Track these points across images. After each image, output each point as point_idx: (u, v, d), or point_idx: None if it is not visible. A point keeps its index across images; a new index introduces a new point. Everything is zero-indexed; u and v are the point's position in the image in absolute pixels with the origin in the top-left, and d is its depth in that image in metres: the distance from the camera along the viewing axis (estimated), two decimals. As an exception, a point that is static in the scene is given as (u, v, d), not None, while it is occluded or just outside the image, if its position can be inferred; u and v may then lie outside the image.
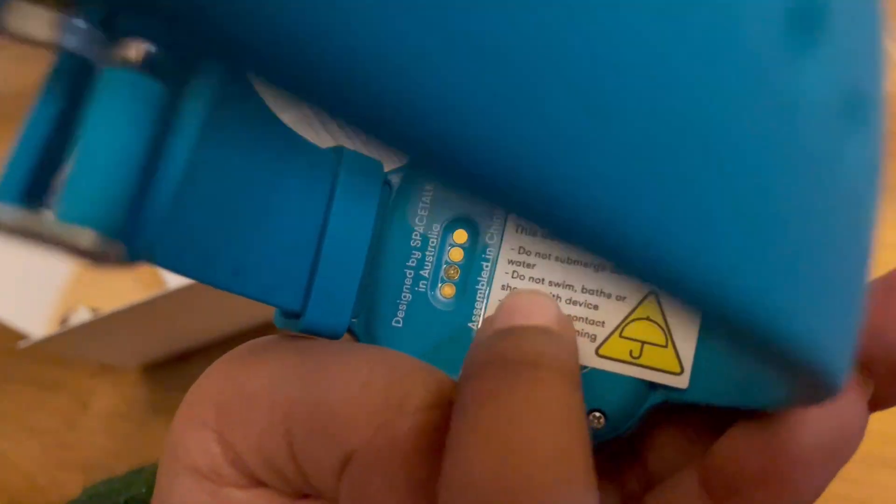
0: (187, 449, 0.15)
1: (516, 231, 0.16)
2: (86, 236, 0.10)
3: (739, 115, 0.07)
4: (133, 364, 0.43)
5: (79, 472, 0.39)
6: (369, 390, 0.14)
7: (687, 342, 0.16)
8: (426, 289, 0.17)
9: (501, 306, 0.14)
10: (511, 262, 0.16)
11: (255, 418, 0.15)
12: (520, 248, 0.16)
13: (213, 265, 0.14)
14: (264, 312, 0.41)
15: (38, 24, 0.09)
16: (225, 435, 0.15)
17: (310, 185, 0.15)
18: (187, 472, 0.15)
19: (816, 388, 0.11)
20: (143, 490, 0.22)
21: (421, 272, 0.17)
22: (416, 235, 0.17)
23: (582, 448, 0.12)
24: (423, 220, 0.17)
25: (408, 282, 0.17)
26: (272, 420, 0.15)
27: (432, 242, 0.17)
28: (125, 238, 0.10)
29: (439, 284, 0.17)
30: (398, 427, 0.14)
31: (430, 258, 0.17)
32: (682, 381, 0.15)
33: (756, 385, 0.14)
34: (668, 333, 0.16)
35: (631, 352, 0.16)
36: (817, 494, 0.14)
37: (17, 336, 0.39)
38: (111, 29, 0.10)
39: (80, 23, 0.10)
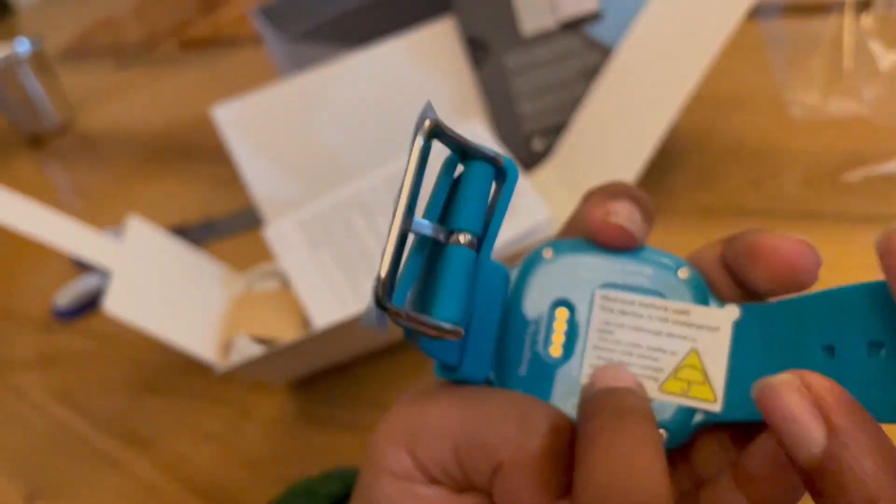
0: (387, 460, 0.23)
1: (601, 310, 0.24)
2: (448, 326, 0.20)
3: None
4: (281, 381, 0.52)
5: (247, 469, 0.47)
6: (509, 421, 0.22)
7: (719, 381, 0.23)
8: (541, 349, 0.24)
9: (599, 373, 0.22)
10: (599, 330, 0.24)
11: (434, 441, 0.23)
12: (604, 322, 0.24)
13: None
14: (385, 341, 0.49)
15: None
16: (414, 451, 0.23)
17: None
18: (386, 474, 0.23)
19: None
20: (336, 488, 0.29)
21: (536, 338, 0.24)
22: (531, 313, 0.24)
23: (663, 461, 0.19)
24: (535, 302, 0.24)
25: (528, 344, 0.24)
26: (444, 442, 0.22)
27: (543, 317, 0.24)
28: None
29: (549, 346, 0.24)
30: (531, 446, 0.21)
31: (542, 328, 0.24)
32: (716, 407, 0.23)
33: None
34: (705, 375, 0.23)
35: (682, 388, 0.23)
36: (799, 490, 0.21)
37: (185, 358, 0.48)
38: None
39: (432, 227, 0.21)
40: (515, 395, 0.23)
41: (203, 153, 0.87)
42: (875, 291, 0.20)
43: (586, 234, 0.24)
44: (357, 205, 0.54)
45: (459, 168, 0.22)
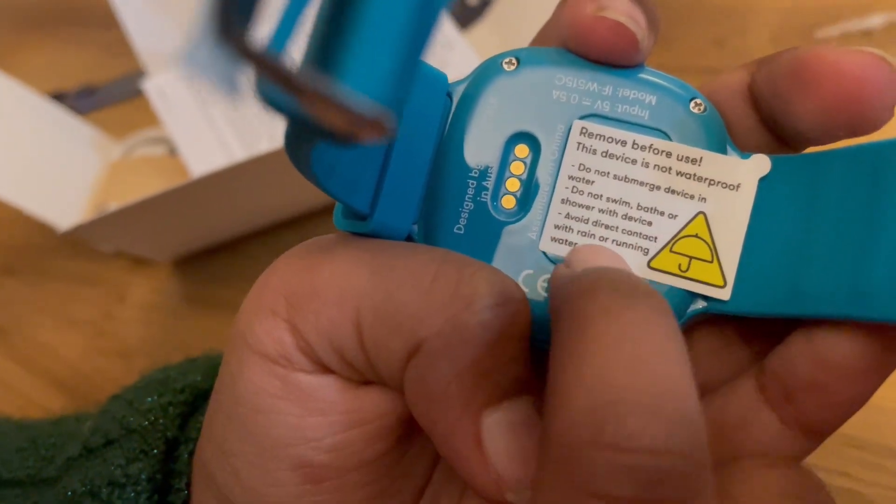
0: (258, 336, 0.17)
1: (577, 149, 0.17)
2: (368, 104, 0.11)
3: None
4: (166, 258, 0.44)
5: (119, 358, 0.40)
6: (439, 285, 0.15)
7: (731, 259, 0.17)
8: (487, 199, 0.18)
9: (576, 253, 0.15)
10: (571, 177, 0.17)
11: (326, 309, 0.16)
12: (580, 165, 0.17)
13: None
14: (285, 212, 0.42)
15: None
16: (296, 324, 0.16)
17: None
18: (257, 357, 0.17)
19: None
20: (199, 378, 0.22)
21: (483, 183, 0.18)
22: (478, 148, 0.18)
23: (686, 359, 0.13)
24: (486, 134, 0.18)
25: (470, 191, 0.18)
26: (342, 311, 0.16)
27: (494, 155, 0.18)
28: None
29: (501, 196, 0.18)
30: (467, 320, 0.15)
31: (492, 170, 0.18)
32: (724, 294, 0.17)
33: (791, 298, 0.16)
34: (714, 250, 0.17)
35: (679, 265, 0.17)
36: (861, 402, 0.15)
37: (53, 234, 0.40)
38: None
39: None
40: (450, 253, 0.16)
41: (89, 18, 0.76)
42: None
43: (566, 41, 0.17)
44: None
45: None
